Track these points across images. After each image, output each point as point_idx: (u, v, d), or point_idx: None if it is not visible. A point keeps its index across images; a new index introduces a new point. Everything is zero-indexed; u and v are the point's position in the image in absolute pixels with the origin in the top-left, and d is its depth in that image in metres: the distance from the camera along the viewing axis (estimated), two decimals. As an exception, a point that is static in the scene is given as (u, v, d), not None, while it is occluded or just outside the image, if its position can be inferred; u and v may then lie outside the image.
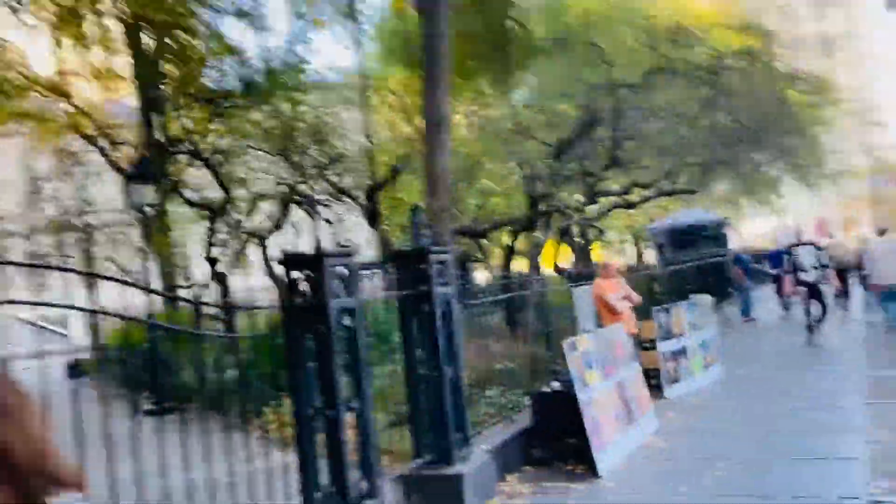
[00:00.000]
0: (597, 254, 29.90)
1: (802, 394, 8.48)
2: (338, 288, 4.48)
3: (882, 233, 14.28)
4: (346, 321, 4.54)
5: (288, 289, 4.51)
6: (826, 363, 10.52)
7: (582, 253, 21.14)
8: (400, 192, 17.88)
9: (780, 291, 16.94)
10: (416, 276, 5.53)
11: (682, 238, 22.77)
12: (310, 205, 15.99)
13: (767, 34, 15.90)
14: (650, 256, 29.59)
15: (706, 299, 10.73)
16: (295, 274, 4.48)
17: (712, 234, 26.21)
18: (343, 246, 6.15)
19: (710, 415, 8.08)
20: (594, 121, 13.65)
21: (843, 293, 15.39)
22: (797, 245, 12.77)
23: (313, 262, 4.42)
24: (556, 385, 6.86)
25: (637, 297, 9.07)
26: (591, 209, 19.11)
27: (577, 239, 20.87)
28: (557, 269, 18.83)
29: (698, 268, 17.26)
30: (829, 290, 13.13)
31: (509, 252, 14.35)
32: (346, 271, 4.55)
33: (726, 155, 15.46)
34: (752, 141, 15.60)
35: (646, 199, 20.60)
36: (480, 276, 19.02)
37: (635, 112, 13.92)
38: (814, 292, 12.24)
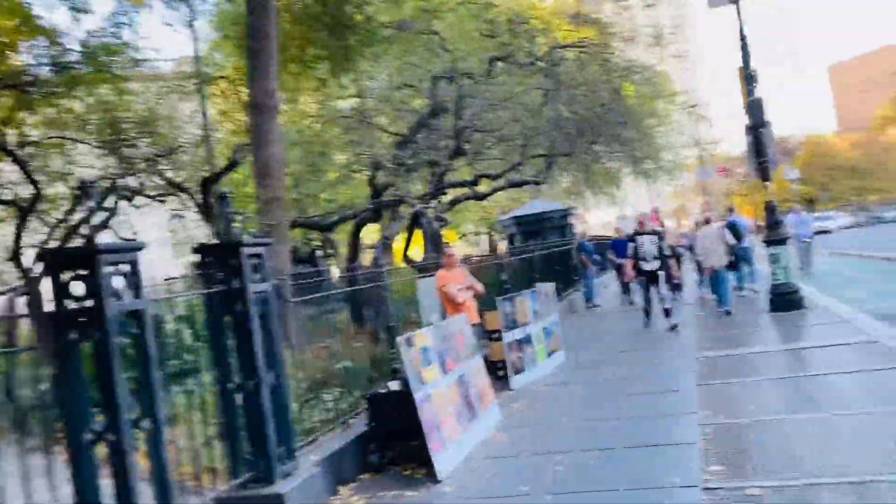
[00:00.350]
0: (451, 245, 29.88)
1: (639, 378, 8.59)
2: (120, 288, 3.81)
3: (707, 221, 15.24)
4: (133, 327, 3.88)
5: (56, 292, 3.78)
6: (662, 346, 10.84)
7: (434, 244, 20.99)
8: (247, 185, 16.88)
9: (621, 278, 17.65)
10: (228, 271, 4.92)
11: (529, 228, 23.34)
12: (126, 199, 14.65)
13: (603, 26, 16.42)
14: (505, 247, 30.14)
15: (549, 287, 10.74)
16: (66, 275, 3.77)
17: (558, 224, 27.10)
18: (127, 240, 5.39)
19: (552, 405, 7.98)
20: (438, 110, 13.40)
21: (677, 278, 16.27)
22: (640, 234, 13.16)
23: (86, 260, 3.72)
24: (393, 385, 6.43)
25: (480, 287, 8.85)
26: (442, 200, 18.93)
27: (431, 230, 20.67)
28: (408, 261, 18.55)
29: (544, 256, 17.59)
30: (676, 275, 13.86)
31: (355, 244, 13.73)
32: (129, 269, 3.89)
33: (568, 146, 15.75)
34: (591, 132, 16.02)
35: (495, 191, 20.74)
36: (336, 270, 18.41)
37: (479, 102, 13.82)
38: (653, 279, 12.62)
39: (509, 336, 9.14)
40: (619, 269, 17.34)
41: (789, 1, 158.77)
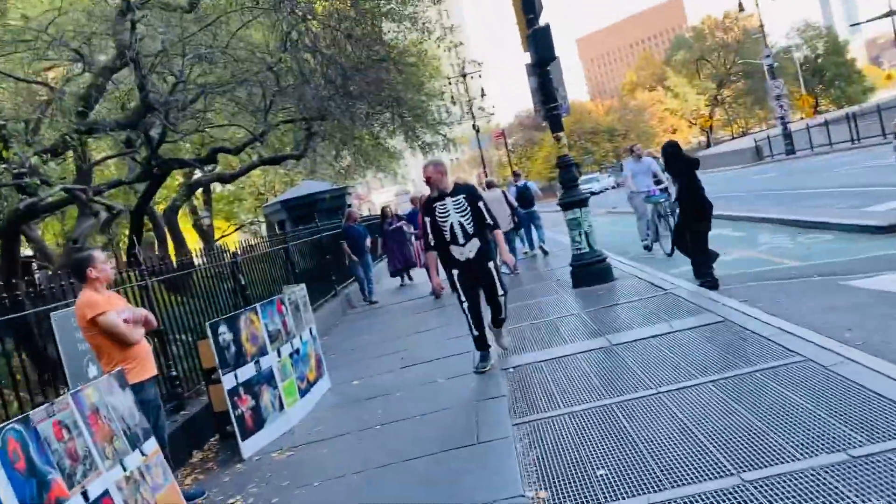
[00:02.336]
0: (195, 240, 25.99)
1: (433, 418, 5.88)
2: None
3: (489, 186, 14.80)
4: None
5: None
6: (452, 343, 8.30)
7: (176, 242, 16.97)
8: None
9: (394, 266, 15.56)
10: None
11: (301, 213, 20.24)
12: None
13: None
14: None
15: (298, 291, 7.69)
16: None
17: (332, 206, 24.17)
18: None
19: (303, 493, 5.00)
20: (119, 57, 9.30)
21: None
22: (440, 198, 11.00)
23: None
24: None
25: (152, 318, 5.36)
26: (172, 185, 14.99)
27: (167, 223, 16.60)
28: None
29: (313, 245, 14.48)
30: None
31: (10, 253, 9.16)
32: None
33: (321, 108, 12.62)
34: (349, 94, 13.08)
35: (247, 170, 17.17)
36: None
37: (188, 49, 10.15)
38: (476, 277, 8.76)
39: (231, 378, 6.00)
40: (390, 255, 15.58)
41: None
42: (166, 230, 16.12)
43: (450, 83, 35.24)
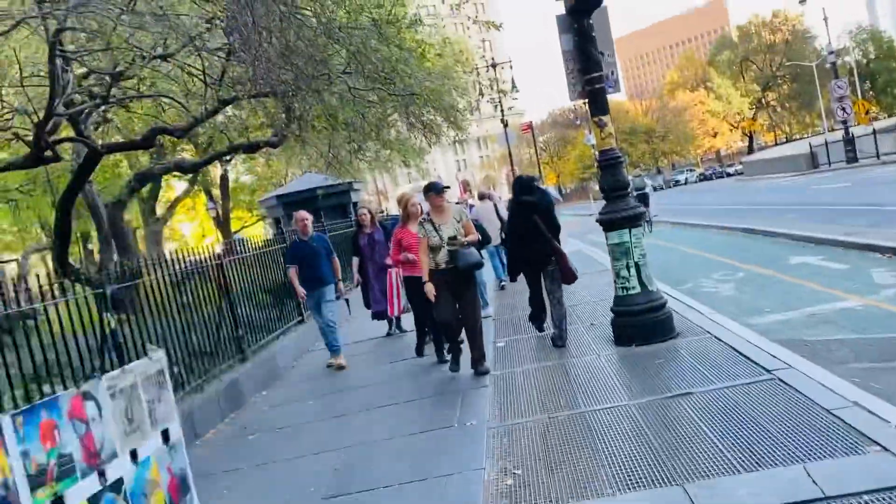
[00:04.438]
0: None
1: None
2: None
3: (482, 197, 13.32)
4: None
5: None
6: (435, 437, 5.10)
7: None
8: None
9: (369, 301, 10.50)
10: None
11: (300, 208, 17.25)
12: None
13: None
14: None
15: (139, 367, 4.44)
16: None
17: (335, 204, 21.13)
18: None
19: None
20: None
21: None
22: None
23: None
24: None
25: None
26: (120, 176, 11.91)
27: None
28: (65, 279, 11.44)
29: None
30: None
31: None
32: None
33: (296, 81, 9.48)
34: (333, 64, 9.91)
35: (210, 160, 14.07)
36: None
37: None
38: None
39: None
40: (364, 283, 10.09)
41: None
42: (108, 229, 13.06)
43: (477, 72, 32.09)
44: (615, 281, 7.16)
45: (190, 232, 52.03)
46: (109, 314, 5.90)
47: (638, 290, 6.95)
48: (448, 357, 7.50)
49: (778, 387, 5.13)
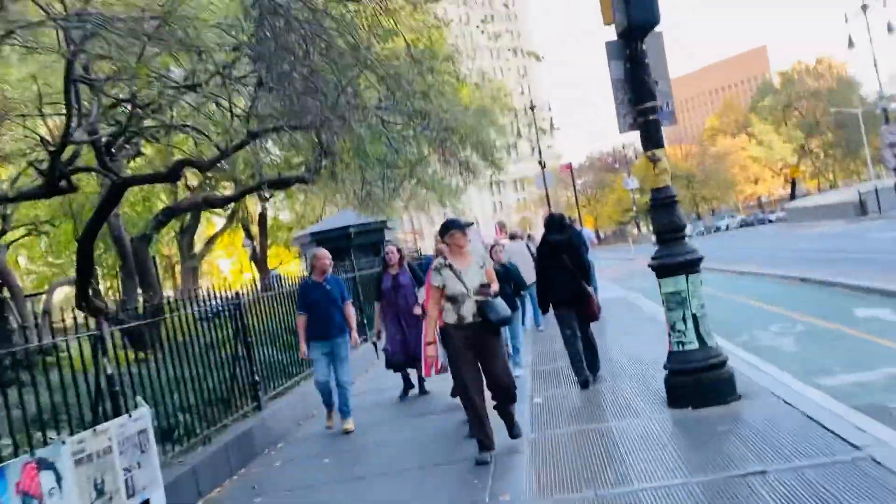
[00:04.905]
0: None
1: None
2: None
3: (513, 237, 13.50)
4: None
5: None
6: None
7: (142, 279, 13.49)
8: None
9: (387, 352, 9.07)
10: None
11: (334, 245, 16.80)
12: None
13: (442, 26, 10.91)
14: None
15: (116, 426, 3.83)
16: None
17: (370, 241, 20.68)
18: None
19: None
20: None
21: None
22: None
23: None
24: None
25: None
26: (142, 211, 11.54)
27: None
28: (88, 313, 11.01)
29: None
30: None
31: None
32: None
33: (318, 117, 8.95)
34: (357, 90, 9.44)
35: (241, 195, 13.69)
36: None
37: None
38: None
39: None
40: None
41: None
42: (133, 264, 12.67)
43: (515, 114, 31.71)
44: (669, 334, 6.39)
45: (227, 268, 52.21)
46: (106, 359, 5.32)
47: (696, 345, 6.17)
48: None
49: (872, 468, 4.31)
